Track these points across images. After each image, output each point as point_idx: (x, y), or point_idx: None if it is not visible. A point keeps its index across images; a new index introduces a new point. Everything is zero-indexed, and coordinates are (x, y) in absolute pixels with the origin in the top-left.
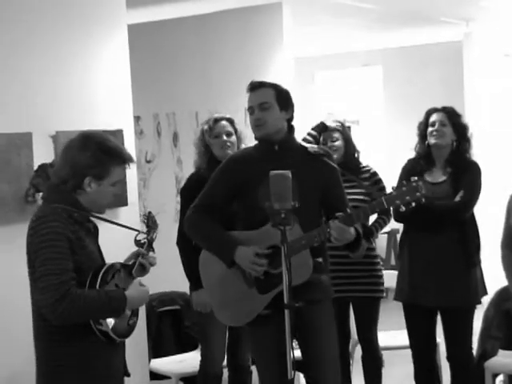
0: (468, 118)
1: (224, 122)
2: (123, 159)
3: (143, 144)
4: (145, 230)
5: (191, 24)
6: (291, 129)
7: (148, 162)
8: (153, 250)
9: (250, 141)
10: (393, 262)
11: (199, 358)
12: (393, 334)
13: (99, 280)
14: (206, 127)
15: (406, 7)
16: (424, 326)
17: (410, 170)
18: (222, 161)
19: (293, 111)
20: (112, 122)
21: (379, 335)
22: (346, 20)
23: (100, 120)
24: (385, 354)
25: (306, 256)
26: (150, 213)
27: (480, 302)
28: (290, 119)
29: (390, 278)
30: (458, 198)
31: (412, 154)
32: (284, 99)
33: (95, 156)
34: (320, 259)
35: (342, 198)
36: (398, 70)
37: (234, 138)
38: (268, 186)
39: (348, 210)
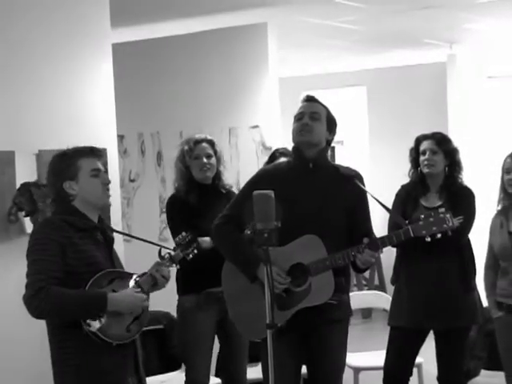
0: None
1: (204, 144)
2: (84, 151)
3: (127, 163)
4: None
5: (177, 43)
6: (326, 149)
7: (132, 180)
8: (176, 265)
9: (242, 161)
10: (376, 281)
11: (183, 377)
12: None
13: (90, 283)
14: (186, 148)
15: (391, 29)
16: (409, 349)
17: (404, 195)
18: (200, 183)
19: (334, 137)
20: (96, 141)
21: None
22: (331, 41)
23: (83, 139)
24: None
25: (328, 276)
26: (186, 233)
27: (477, 323)
28: (329, 142)
29: (374, 298)
30: (456, 223)
31: (397, 175)
32: (332, 122)
33: (57, 163)
34: (342, 278)
35: (367, 221)
36: (382, 91)
37: (213, 159)
38: (254, 205)
39: (373, 237)
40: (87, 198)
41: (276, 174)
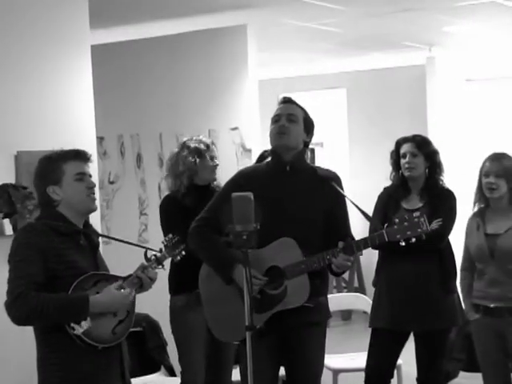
0: None
1: (214, 147)
2: (70, 155)
3: (107, 165)
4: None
5: (156, 45)
6: (303, 151)
7: (111, 182)
8: (161, 267)
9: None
10: (356, 283)
11: (162, 380)
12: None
13: (73, 286)
14: (202, 147)
15: (371, 31)
16: (391, 350)
17: (387, 198)
18: (198, 185)
19: (311, 138)
20: (75, 143)
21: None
22: (311, 43)
23: (62, 140)
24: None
25: (304, 279)
26: (172, 235)
27: (457, 324)
28: (307, 144)
29: (354, 300)
30: (435, 226)
31: (377, 178)
32: (309, 123)
33: (42, 167)
34: (318, 281)
35: (345, 224)
36: (362, 94)
37: (217, 160)
38: (233, 208)
39: (349, 240)
40: (71, 202)
41: (254, 176)
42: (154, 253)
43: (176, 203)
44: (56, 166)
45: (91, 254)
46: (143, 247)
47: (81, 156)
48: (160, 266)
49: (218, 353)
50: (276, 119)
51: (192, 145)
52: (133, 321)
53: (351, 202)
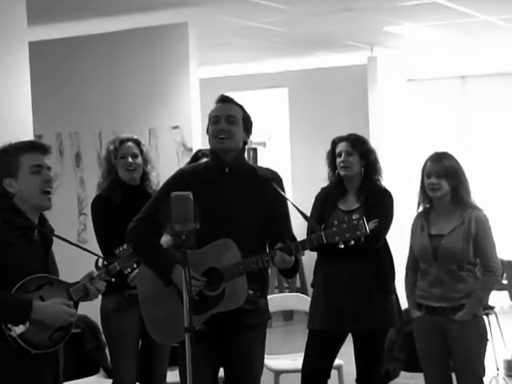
0: (372, 143)
1: (130, 144)
2: (28, 146)
3: None
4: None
5: (96, 42)
6: (243, 151)
7: None
8: (110, 279)
9: (162, 163)
10: (298, 284)
11: (100, 381)
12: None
13: (16, 286)
14: (111, 147)
15: (313, 31)
16: (328, 351)
17: (324, 198)
18: (126, 183)
19: (250, 137)
20: (12, 141)
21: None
22: (254, 42)
23: None
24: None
25: (242, 281)
26: (127, 246)
27: (394, 325)
28: (246, 143)
29: (296, 301)
30: (371, 226)
31: (318, 178)
32: (248, 122)
33: (0, 158)
34: (258, 284)
35: (286, 225)
36: (304, 93)
37: (139, 159)
38: (172, 207)
39: (287, 241)
40: (25, 196)
41: (193, 176)
42: (104, 262)
43: (104, 201)
44: (13, 157)
45: (43, 251)
46: (96, 255)
47: (38, 147)
48: (108, 277)
49: (151, 355)
50: (215, 120)
51: (107, 145)
52: (72, 329)
53: (290, 202)
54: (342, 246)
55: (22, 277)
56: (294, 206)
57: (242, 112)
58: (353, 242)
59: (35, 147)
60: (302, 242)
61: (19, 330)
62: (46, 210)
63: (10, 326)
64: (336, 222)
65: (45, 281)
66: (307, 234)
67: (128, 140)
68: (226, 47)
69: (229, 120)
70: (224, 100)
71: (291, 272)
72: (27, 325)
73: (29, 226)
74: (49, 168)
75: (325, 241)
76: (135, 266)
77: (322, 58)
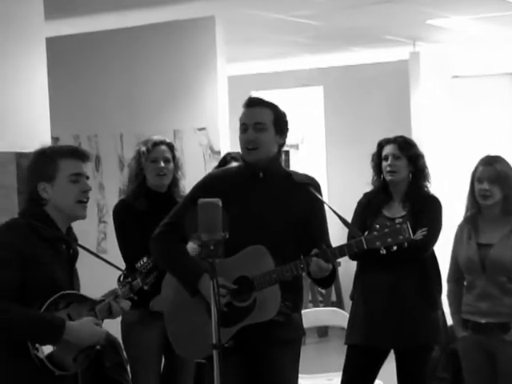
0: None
1: (163, 147)
2: (69, 151)
3: None
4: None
5: (116, 38)
6: (278, 155)
7: None
8: (133, 296)
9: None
10: (333, 297)
11: None
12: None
13: (46, 304)
14: (143, 149)
15: (350, 24)
16: (367, 369)
17: (367, 204)
18: (153, 189)
19: (286, 139)
20: (27, 144)
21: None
22: (285, 37)
23: (13, 141)
24: None
25: (274, 291)
26: (147, 259)
27: (439, 343)
28: (282, 145)
29: (331, 316)
30: (418, 236)
31: (356, 182)
32: (281, 123)
33: (35, 162)
34: (291, 295)
35: (324, 233)
36: (341, 92)
37: (171, 165)
38: (197, 215)
39: (323, 247)
40: (59, 204)
41: (224, 181)
42: (128, 280)
43: (128, 208)
44: (51, 161)
45: (69, 265)
46: (118, 269)
47: (79, 154)
48: (132, 295)
49: (175, 369)
50: (242, 128)
51: (137, 147)
52: (95, 349)
53: (329, 207)
54: (384, 252)
55: (49, 292)
56: (332, 210)
57: (272, 114)
58: (395, 248)
59: (76, 154)
60: (340, 247)
61: (47, 350)
62: (79, 220)
63: (37, 345)
64: (378, 226)
65: (73, 298)
66: (347, 241)
67: (161, 143)
68: (255, 42)
69: (256, 128)
70: (251, 104)
71: (327, 281)
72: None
73: (58, 237)
74: (87, 177)
75: (365, 246)
76: (154, 280)
77: (360, 54)
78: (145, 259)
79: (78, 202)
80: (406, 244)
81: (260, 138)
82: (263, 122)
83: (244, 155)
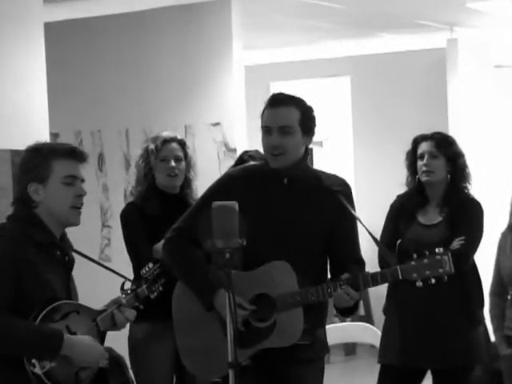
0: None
1: (174, 145)
2: (64, 151)
3: None
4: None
5: (122, 23)
6: (304, 157)
7: None
8: (139, 305)
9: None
10: (362, 311)
11: None
12: None
13: (42, 315)
14: (152, 147)
15: (381, 9)
16: None
17: (399, 208)
18: (163, 190)
19: (313, 135)
20: (24, 140)
21: None
22: (309, 22)
23: (9, 137)
24: None
25: (297, 314)
26: (156, 263)
27: (481, 363)
28: (308, 145)
29: (359, 332)
30: (456, 245)
31: (387, 183)
32: (309, 121)
33: (29, 158)
34: (314, 312)
35: (353, 246)
36: (370, 83)
37: (183, 164)
38: (214, 219)
39: (355, 272)
40: (51, 208)
41: (245, 182)
42: (132, 287)
43: (137, 212)
44: (44, 160)
45: (65, 272)
46: (121, 276)
47: (76, 155)
48: (137, 303)
49: None
50: (266, 131)
51: (145, 144)
52: (98, 367)
53: (359, 220)
54: (421, 285)
55: (44, 302)
56: (363, 224)
57: (298, 113)
58: (433, 281)
59: (73, 154)
60: (374, 275)
61: (45, 366)
62: (72, 227)
63: (34, 361)
64: (415, 255)
65: (71, 308)
66: (378, 259)
67: (172, 140)
68: (275, 28)
69: (282, 131)
70: (274, 104)
71: (349, 310)
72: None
73: (53, 242)
74: (82, 181)
75: (400, 276)
76: (161, 288)
77: (391, 41)
78: (150, 265)
79: (71, 208)
80: (445, 278)
81: (286, 143)
82: (289, 124)
83: (268, 161)
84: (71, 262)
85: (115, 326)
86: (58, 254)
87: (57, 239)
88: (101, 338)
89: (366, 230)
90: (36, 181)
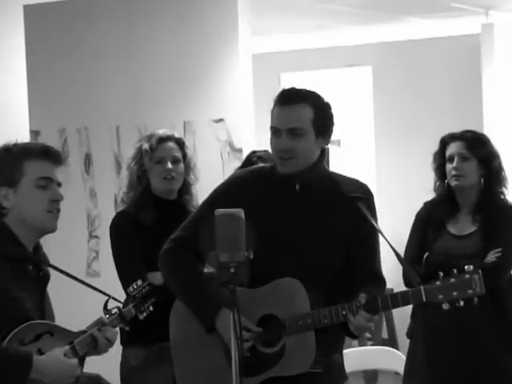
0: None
1: (171, 144)
2: (37, 151)
3: None
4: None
5: (112, 6)
6: (320, 160)
7: None
8: (124, 326)
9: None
10: (385, 334)
11: None
12: None
13: (10, 336)
14: (145, 146)
15: None
16: None
17: (427, 217)
18: (159, 196)
19: (330, 136)
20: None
21: None
22: (325, 5)
23: None
24: None
25: (308, 338)
26: (144, 283)
27: None
28: (324, 149)
29: (382, 357)
30: (492, 258)
31: (413, 186)
32: (325, 120)
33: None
34: (329, 335)
35: (372, 257)
36: (394, 73)
37: (181, 166)
38: (217, 229)
39: (374, 294)
40: (24, 215)
41: (252, 186)
42: (117, 305)
43: (129, 221)
44: (15, 162)
45: (39, 289)
46: (104, 294)
47: (50, 155)
48: (122, 324)
49: None
50: (274, 131)
51: (139, 143)
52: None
53: (381, 235)
54: (447, 308)
55: (14, 323)
56: (385, 238)
57: (311, 112)
58: (462, 303)
59: (47, 154)
60: (394, 297)
61: None
62: (49, 234)
63: None
64: (441, 275)
65: (45, 329)
66: (403, 278)
67: (168, 139)
68: (287, 12)
69: (292, 133)
70: (284, 101)
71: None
72: None
73: (25, 256)
74: (59, 184)
75: (424, 298)
76: (151, 308)
77: (418, 27)
78: (139, 282)
79: (46, 212)
80: (475, 300)
81: (296, 146)
82: (300, 126)
83: (277, 165)
84: (46, 278)
85: (96, 350)
86: (30, 269)
87: (29, 252)
88: (79, 363)
89: (388, 243)
90: (6, 185)
